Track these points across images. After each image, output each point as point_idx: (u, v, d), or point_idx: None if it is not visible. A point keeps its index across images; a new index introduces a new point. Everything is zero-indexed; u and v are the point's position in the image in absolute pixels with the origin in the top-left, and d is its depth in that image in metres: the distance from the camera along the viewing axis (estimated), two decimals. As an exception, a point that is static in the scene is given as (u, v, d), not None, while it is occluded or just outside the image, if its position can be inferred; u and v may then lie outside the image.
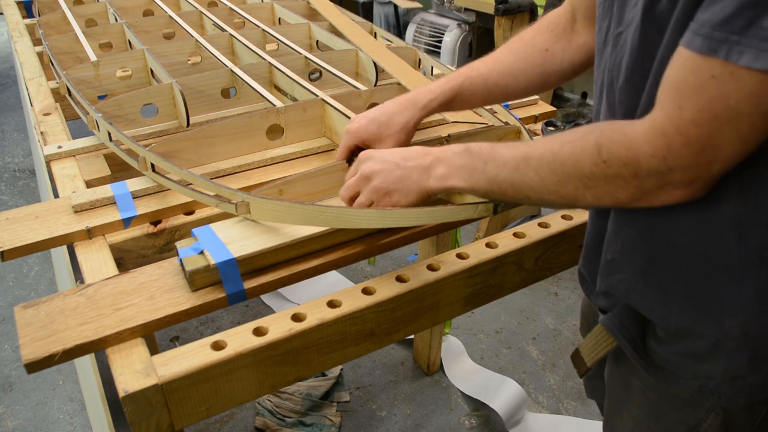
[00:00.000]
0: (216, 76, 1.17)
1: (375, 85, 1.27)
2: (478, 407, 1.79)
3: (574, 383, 1.88)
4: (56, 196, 0.95)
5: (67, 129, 1.13)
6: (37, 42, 1.56)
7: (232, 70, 1.18)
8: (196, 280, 0.75)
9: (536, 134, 1.17)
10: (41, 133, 1.11)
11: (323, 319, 0.73)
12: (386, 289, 0.78)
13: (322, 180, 0.90)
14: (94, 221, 0.88)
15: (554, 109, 1.30)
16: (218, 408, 0.71)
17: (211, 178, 0.95)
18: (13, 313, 1.78)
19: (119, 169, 1.03)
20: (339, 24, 1.52)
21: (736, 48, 0.48)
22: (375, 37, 1.56)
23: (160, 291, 0.76)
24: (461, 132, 1.01)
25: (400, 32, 3.88)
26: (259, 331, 0.72)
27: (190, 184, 0.88)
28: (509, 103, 1.25)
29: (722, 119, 0.51)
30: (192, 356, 0.68)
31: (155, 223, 0.90)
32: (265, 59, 1.24)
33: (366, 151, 0.80)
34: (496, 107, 1.11)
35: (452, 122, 1.17)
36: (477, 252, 0.86)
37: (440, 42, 3.48)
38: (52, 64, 1.24)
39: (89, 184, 0.98)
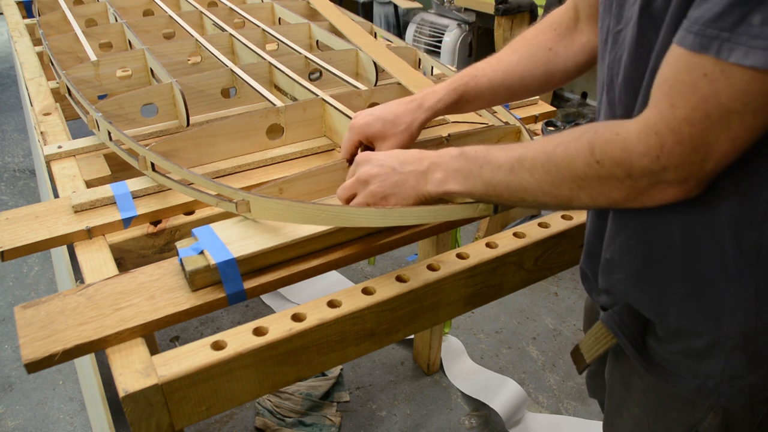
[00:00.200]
0: (216, 76, 1.17)
1: (375, 85, 1.27)
2: (478, 407, 1.79)
3: (574, 383, 1.88)
4: (56, 196, 0.95)
5: (67, 129, 1.13)
6: (37, 42, 1.56)
7: (232, 70, 1.18)
8: (196, 280, 0.75)
9: (536, 134, 1.17)
10: (41, 133, 1.11)
11: (323, 319, 0.73)
12: (386, 289, 0.78)
13: (322, 179, 0.90)
14: (94, 221, 0.87)
15: (554, 109, 1.30)
16: (218, 408, 0.71)
17: (212, 178, 0.95)
18: (13, 313, 1.78)
19: (119, 169, 1.03)
20: (339, 24, 1.52)
21: (726, 45, 0.48)
22: (375, 37, 1.56)
23: (160, 291, 0.76)
24: (461, 132, 1.01)
25: (400, 32, 3.88)
26: (259, 331, 0.72)
27: (191, 183, 0.88)
28: (509, 103, 1.24)
29: (714, 117, 0.51)
30: (192, 356, 0.68)
31: (155, 223, 0.90)
32: (265, 59, 1.24)
33: (363, 153, 0.80)
34: (497, 107, 1.11)
35: (453, 122, 1.17)
36: (477, 252, 0.86)
37: (440, 42, 3.48)
38: (52, 64, 1.24)
39: (89, 184, 0.98)
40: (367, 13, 3.99)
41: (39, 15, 1.62)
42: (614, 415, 0.82)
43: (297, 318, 0.74)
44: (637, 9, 0.60)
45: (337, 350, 0.77)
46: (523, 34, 0.89)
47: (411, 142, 0.87)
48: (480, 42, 3.50)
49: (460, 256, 0.85)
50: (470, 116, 1.17)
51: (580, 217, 0.95)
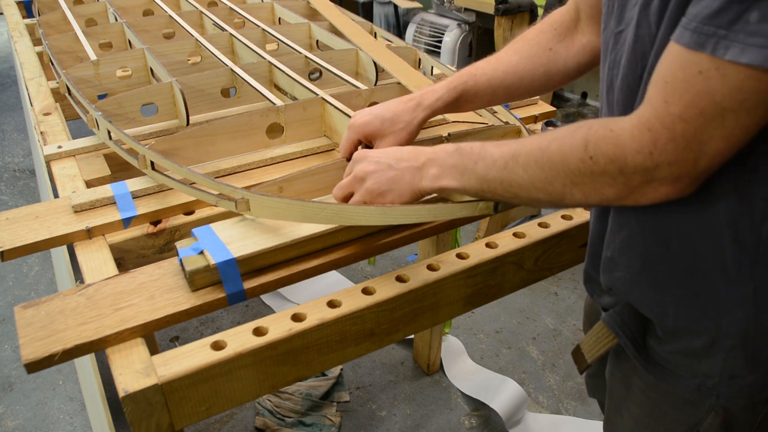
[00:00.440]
0: (216, 75, 1.17)
1: (375, 85, 1.27)
2: (478, 407, 1.79)
3: (574, 383, 1.88)
4: (56, 196, 0.95)
5: (67, 129, 1.13)
6: (37, 42, 1.56)
7: (232, 70, 1.18)
8: (196, 280, 0.75)
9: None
10: (41, 133, 1.11)
11: (323, 319, 0.73)
12: (386, 289, 0.78)
13: (322, 177, 0.90)
14: (94, 221, 0.87)
15: (554, 109, 1.30)
16: (218, 408, 0.71)
17: (212, 177, 0.95)
18: (13, 313, 1.78)
19: (119, 169, 1.03)
20: (339, 24, 1.52)
21: (722, 42, 0.48)
22: (375, 37, 1.56)
23: (160, 291, 0.76)
24: (461, 131, 1.01)
25: (400, 32, 3.88)
26: (259, 331, 0.71)
27: (193, 183, 0.88)
28: (509, 103, 1.24)
29: (708, 115, 0.51)
30: (192, 356, 0.68)
31: (155, 223, 0.90)
32: (265, 58, 1.24)
33: (360, 151, 0.81)
34: (497, 107, 1.11)
35: (452, 122, 1.17)
36: (477, 252, 0.86)
37: (440, 42, 3.48)
38: (52, 64, 1.24)
39: (89, 184, 0.98)
40: (367, 13, 3.99)
41: (39, 15, 1.62)
42: (615, 414, 0.82)
43: (297, 318, 0.74)
44: (637, 10, 0.60)
45: (337, 350, 0.77)
46: (523, 34, 0.89)
47: (410, 140, 0.87)
48: (480, 42, 3.50)
49: (460, 256, 0.85)
50: (470, 116, 1.17)
51: (580, 217, 0.95)
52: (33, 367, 0.67)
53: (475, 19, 3.42)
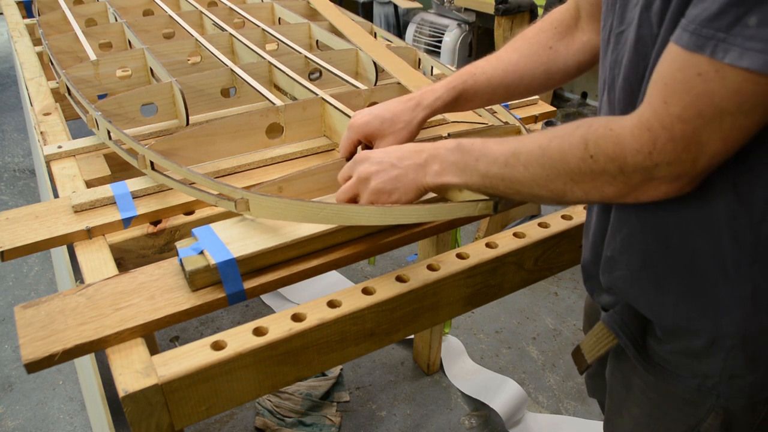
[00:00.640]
0: (216, 75, 1.17)
1: (375, 85, 1.27)
2: (478, 407, 1.79)
3: (574, 383, 1.88)
4: (56, 196, 0.95)
5: (67, 129, 1.13)
6: (37, 42, 1.56)
7: (232, 69, 1.18)
8: (196, 280, 0.75)
9: (536, 134, 1.17)
10: (41, 133, 1.11)
11: (323, 319, 0.73)
12: (386, 289, 0.78)
13: (321, 177, 0.90)
14: (94, 221, 0.87)
15: (554, 109, 1.30)
16: (218, 408, 0.71)
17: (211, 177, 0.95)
18: (13, 313, 1.78)
19: (119, 169, 1.03)
20: (339, 24, 1.52)
21: (721, 45, 0.49)
22: (375, 37, 1.56)
23: (160, 291, 0.76)
24: (461, 131, 1.01)
25: (400, 32, 3.88)
26: (259, 331, 0.71)
27: (193, 183, 0.88)
28: (509, 103, 1.24)
29: (707, 116, 0.51)
30: (192, 356, 0.68)
31: (155, 223, 0.90)
32: (265, 58, 1.24)
33: (361, 152, 0.81)
34: (496, 107, 1.11)
35: (452, 122, 1.17)
36: (477, 252, 0.86)
37: (440, 42, 3.48)
38: (52, 64, 1.24)
39: (89, 184, 0.98)
40: (367, 13, 3.99)
41: (39, 15, 1.62)
42: (615, 415, 0.82)
43: (297, 318, 0.74)
44: (638, 11, 0.60)
45: (337, 350, 0.77)
46: (523, 32, 0.89)
47: (410, 140, 0.87)
48: (480, 42, 3.50)
49: (460, 256, 0.85)
50: (469, 116, 1.17)
51: (579, 217, 0.95)
52: (33, 367, 0.66)
53: (475, 19, 3.42)
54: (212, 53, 1.27)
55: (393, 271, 0.82)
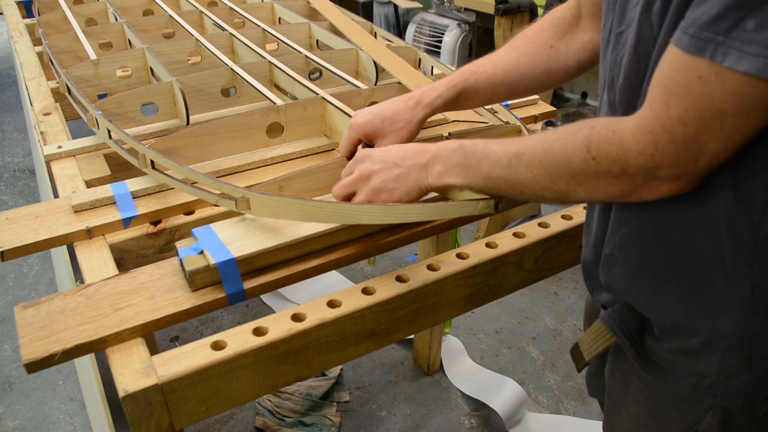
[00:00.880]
0: (216, 75, 1.17)
1: (375, 84, 1.27)
2: (478, 407, 1.79)
3: (574, 383, 1.88)
4: (56, 196, 0.95)
5: (67, 129, 1.13)
6: (37, 42, 1.56)
7: (232, 69, 1.18)
8: (196, 280, 0.75)
9: (536, 134, 1.17)
10: (41, 133, 1.11)
11: (323, 319, 0.73)
12: (386, 289, 0.78)
13: (322, 177, 0.90)
14: (94, 221, 0.87)
15: (554, 108, 1.30)
16: (218, 408, 0.71)
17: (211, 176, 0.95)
18: (13, 313, 1.78)
19: (119, 169, 1.03)
20: (339, 24, 1.52)
21: (720, 49, 0.49)
22: (375, 36, 1.56)
23: (160, 291, 0.76)
24: (461, 130, 1.01)
25: (400, 32, 3.88)
26: (259, 331, 0.71)
27: (194, 183, 0.88)
28: (509, 102, 1.24)
29: (707, 118, 0.52)
30: (192, 356, 0.68)
31: (155, 223, 0.90)
32: (265, 58, 1.24)
33: (363, 150, 0.81)
34: (497, 107, 1.11)
35: (453, 121, 1.17)
36: (477, 252, 0.86)
37: (440, 42, 3.48)
38: (52, 63, 1.24)
39: (89, 184, 0.98)
40: (367, 13, 3.99)
41: (39, 15, 1.62)
42: (614, 414, 0.82)
43: (297, 318, 0.74)
44: (638, 11, 0.60)
45: (337, 350, 0.77)
46: (524, 31, 0.89)
47: (411, 139, 0.87)
48: (480, 42, 3.50)
49: (460, 256, 0.85)
50: (470, 115, 1.17)
51: (579, 217, 0.95)
52: (33, 367, 0.66)
53: (475, 19, 3.42)
54: (212, 53, 1.27)
55: (393, 271, 0.82)
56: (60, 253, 1.19)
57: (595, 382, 0.95)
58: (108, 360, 0.68)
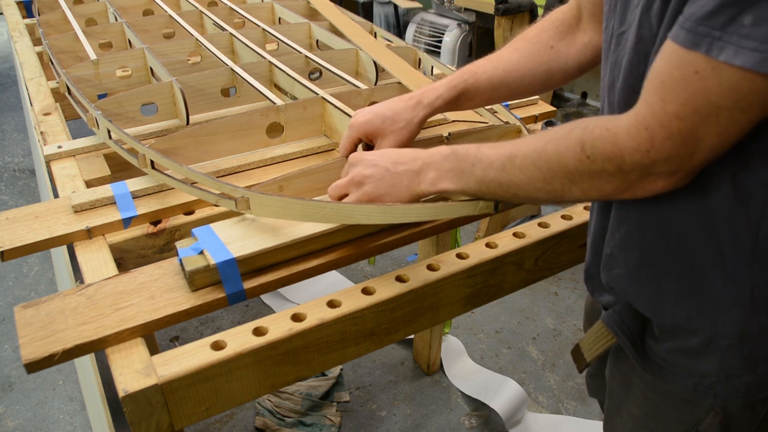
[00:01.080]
0: (216, 75, 1.17)
1: (375, 84, 1.27)
2: (478, 407, 1.79)
3: (574, 383, 1.88)
4: (56, 196, 0.95)
5: (67, 129, 1.13)
6: (37, 42, 1.56)
7: (232, 69, 1.18)
8: (196, 280, 0.75)
9: (536, 134, 1.17)
10: (41, 133, 1.11)
11: (323, 319, 0.73)
12: (386, 289, 0.78)
13: (321, 177, 0.90)
14: (94, 221, 0.87)
15: (554, 109, 1.30)
16: (218, 408, 0.71)
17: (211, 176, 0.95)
18: (13, 313, 1.78)
19: (119, 169, 1.03)
20: (339, 24, 1.52)
21: (717, 44, 0.49)
22: (375, 37, 1.56)
23: (160, 291, 0.76)
24: (462, 130, 1.01)
25: (400, 32, 3.88)
26: (259, 331, 0.71)
27: (194, 183, 0.88)
28: (509, 102, 1.24)
29: (704, 113, 0.52)
30: (192, 356, 0.68)
31: (155, 223, 0.90)
32: (265, 58, 1.24)
33: (355, 154, 0.81)
34: (497, 107, 1.11)
35: (453, 121, 1.17)
36: (477, 252, 0.86)
37: (440, 42, 3.48)
38: (52, 63, 1.24)
39: (89, 184, 0.98)
40: (367, 13, 3.99)
41: (39, 15, 1.62)
42: (614, 414, 0.82)
43: (297, 318, 0.74)
44: (638, 12, 0.60)
45: (337, 350, 0.77)
46: (524, 32, 0.89)
47: (411, 139, 0.87)
48: (480, 42, 3.50)
49: (460, 256, 0.85)
50: (470, 115, 1.17)
51: (579, 217, 0.95)
52: (33, 367, 0.66)
53: (475, 19, 3.42)
54: (212, 53, 1.27)
55: (393, 271, 0.82)
56: (60, 253, 1.19)
57: (596, 383, 0.95)
58: (108, 360, 0.68)
